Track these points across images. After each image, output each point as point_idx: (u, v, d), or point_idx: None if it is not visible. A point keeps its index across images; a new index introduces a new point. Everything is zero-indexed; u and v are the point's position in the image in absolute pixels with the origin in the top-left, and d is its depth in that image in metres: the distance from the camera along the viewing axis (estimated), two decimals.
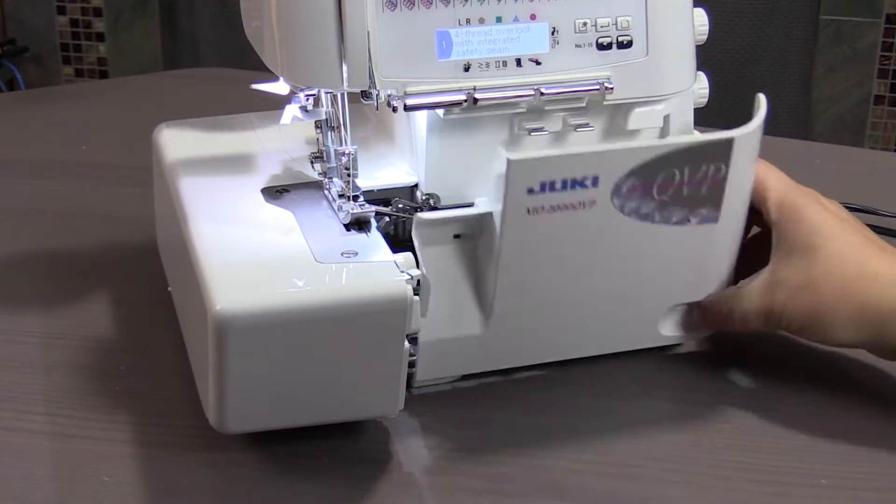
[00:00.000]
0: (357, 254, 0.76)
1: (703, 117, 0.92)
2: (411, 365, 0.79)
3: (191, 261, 0.76)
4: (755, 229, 0.86)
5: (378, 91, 0.77)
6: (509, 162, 0.71)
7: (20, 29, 2.56)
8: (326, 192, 0.84)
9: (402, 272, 0.73)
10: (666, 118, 0.85)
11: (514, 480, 0.76)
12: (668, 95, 0.84)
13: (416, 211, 0.84)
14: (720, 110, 2.20)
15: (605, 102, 0.82)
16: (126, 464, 0.77)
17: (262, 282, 0.73)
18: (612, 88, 0.81)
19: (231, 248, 0.77)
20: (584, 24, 0.81)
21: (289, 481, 0.76)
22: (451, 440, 0.79)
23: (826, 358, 0.86)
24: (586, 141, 0.85)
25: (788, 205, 0.81)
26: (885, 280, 0.76)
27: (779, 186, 0.83)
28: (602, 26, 0.81)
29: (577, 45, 0.81)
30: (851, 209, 1.05)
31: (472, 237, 0.80)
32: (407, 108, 0.78)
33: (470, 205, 0.84)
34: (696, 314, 0.84)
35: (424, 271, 0.74)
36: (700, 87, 0.88)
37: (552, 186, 0.73)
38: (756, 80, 2.25)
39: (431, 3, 0.78)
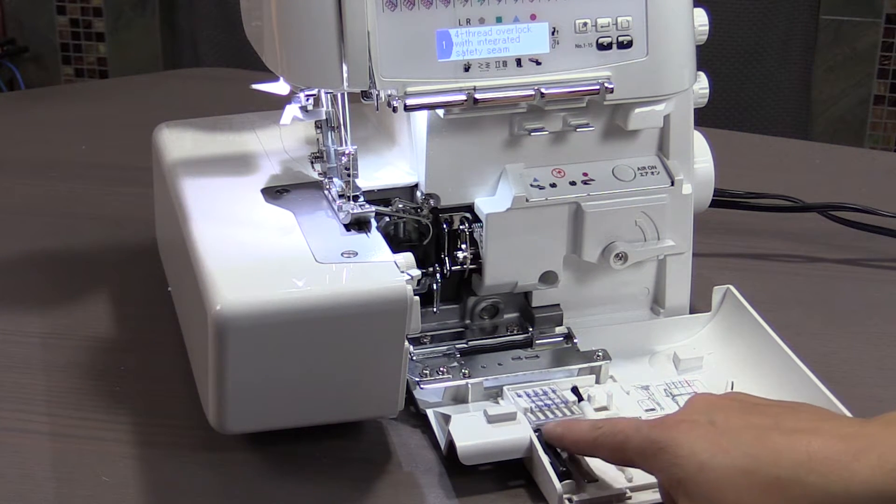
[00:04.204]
0: (357, 254, 0.76)
1: (703, 117, 0.92)
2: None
3: (191, 261, 0.76)
4: None
5: (378, 91, 0.77)
6: None
7: (20, 29, 2.56)
8: (326, 192, 0.84)
9: (402, 272, 0.73)
10: (666, 118, 0.85)
11: (515, 479, 0.76)
12: (668, 95, 0.84)
13: (416, 211, 0.84)
14: (720, 110, 2.21)
15: (605, 102, 0.82)
16: (126, 464, 0.77)
17: (261, 282, 0.73)
18: (612, 88, 0.81)
19: (231, 248, 0.77)
20: (585, 24, 0.81)
21: (289, 481, 0.76)
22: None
23: None
24: (586, 141, 0.85)
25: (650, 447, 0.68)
26: None
27: (627, 430, 0.70)
28: (602, 26, 0.81)
29: (578, 45, 0.81)
30: (851, 209, 1.06)
31: None
32: (407, 108, 0.78)
33: (470, 206, 0.84)
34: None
35: None
36: (700, 87, 0.88)
37: None
38: (756, 80, 2.25)
39: (431, 3, 0.78)
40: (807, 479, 0.62)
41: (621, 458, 0.70)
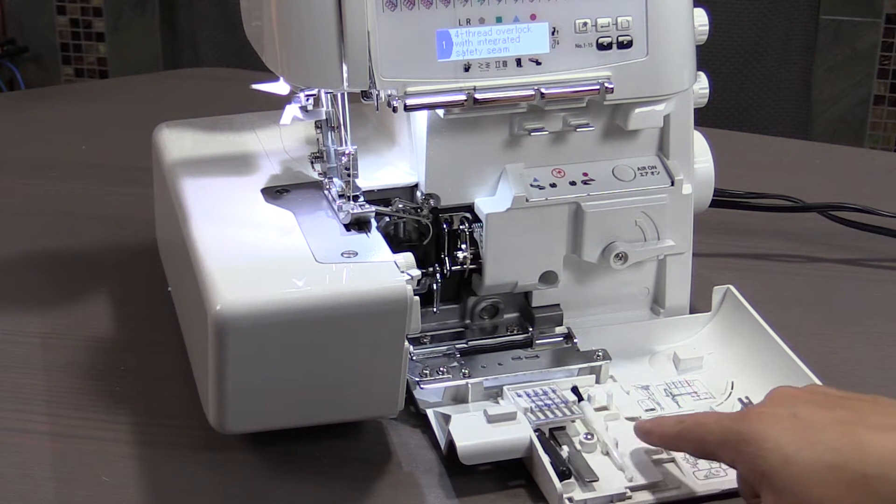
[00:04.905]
0: (357, 254, 0.76)
1: (703, 117, 0.92)
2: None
3: (191, 261, 0.76)
4: None
5: (378, 91, 0.77)
6: None
7: (20, 29, 2.56)
8: (326, 192, 0.84)
9: (402, 272, 0.73)
10: (666, 118, 0.85)
11: (515, 479, 0.76)
12: (668, 95, 0.84)
13: (416, 211, 0.84)
14: (720, 110, 2.21)
15: (605, 102, 0.82)
16: (126, 464, 0.77)
17: (261, 282, 0.73)
18: (612, 88, 0.81)
19: (231, 248, 0.77)
20: (585, 24, 0.81)
21: (289, 481, 0.76)
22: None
23: None
24: (586, 141, 0.85)
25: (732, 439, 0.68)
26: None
27: (709, 422, 0.70)
28: (602, 26, 0.81)
29: (578, 45, 0.81)
30: (851, 209, 1.06)
31: None
32: (407, 108, 0.78)
33: (470, 206, 0.84)
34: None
35: None
36: (700, 87, 0.88)
37: None
38: (756, 80, 2.25)
39: (431, 3, 0.78)
40: (893, 476, 0.62)
41: (703, 450, 0.70)
